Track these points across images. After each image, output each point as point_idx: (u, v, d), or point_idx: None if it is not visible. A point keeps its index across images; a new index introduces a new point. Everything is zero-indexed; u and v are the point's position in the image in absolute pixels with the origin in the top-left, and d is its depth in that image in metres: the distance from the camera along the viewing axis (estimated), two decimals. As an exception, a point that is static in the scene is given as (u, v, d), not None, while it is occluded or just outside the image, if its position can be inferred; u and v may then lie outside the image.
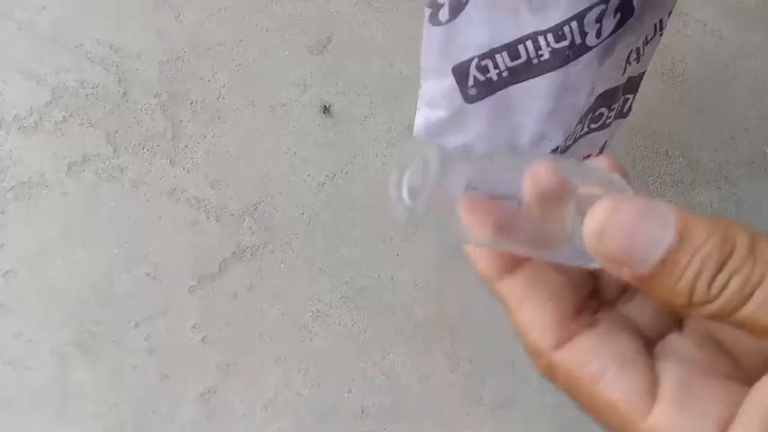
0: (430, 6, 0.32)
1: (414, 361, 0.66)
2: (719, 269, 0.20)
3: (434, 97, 0.37)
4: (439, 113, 0.38)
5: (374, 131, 0.82)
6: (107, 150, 0.76)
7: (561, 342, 0.22)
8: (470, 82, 0.36)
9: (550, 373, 0.23)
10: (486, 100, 0.37)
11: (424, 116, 0.38)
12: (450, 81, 0.36)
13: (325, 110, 0.82)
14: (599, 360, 0.22)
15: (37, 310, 0.68)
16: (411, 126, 0.83)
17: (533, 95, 0.37)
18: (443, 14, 0.32)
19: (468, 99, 0.37)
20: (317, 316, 0.71)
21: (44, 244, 0.71)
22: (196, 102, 0.81)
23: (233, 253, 0.73)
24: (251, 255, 0.74)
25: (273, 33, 0.86)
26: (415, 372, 0.65)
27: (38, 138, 0.76)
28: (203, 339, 0.68)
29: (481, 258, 0.25)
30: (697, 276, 0.20)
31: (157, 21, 0.85)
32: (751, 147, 0.91)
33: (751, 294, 0.20)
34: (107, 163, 0.76)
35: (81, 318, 0.68)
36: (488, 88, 0.36)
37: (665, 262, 0.21)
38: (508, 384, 0.64)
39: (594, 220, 0.20)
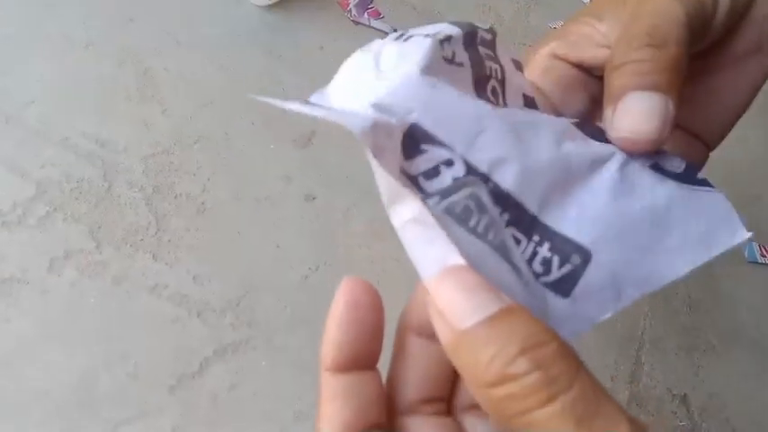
0: None
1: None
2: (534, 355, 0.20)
3: None
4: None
5: (356, 224, 0.83)
6: (90, 246, 0.77)
7: None
8: None
9: None
10: None
11: None
12: None
13: (309, 202, 0.83)
14: None
15: (14, 411, 0.67)
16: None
17: None
18: None
19: None
20: (299, 417, 0.70)
21: (22, 343, 0.71)
22: (180, 195, 0.81)
23: (214, 351, 0.73)
24: (232, 352, 0.73)
25: (259, 127, 0.88)
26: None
27: (21, 233, 0.76)
28: (182, 445, 0.67)
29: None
30: (506, 353, 0.20)
31: (144, 114, 0.86)
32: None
33: (554, 398, 0.20)
34: (89, 258, 0.76)
35: (60, 421, 0.67)
36: None
37: (493, 323, 0.21)
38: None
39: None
